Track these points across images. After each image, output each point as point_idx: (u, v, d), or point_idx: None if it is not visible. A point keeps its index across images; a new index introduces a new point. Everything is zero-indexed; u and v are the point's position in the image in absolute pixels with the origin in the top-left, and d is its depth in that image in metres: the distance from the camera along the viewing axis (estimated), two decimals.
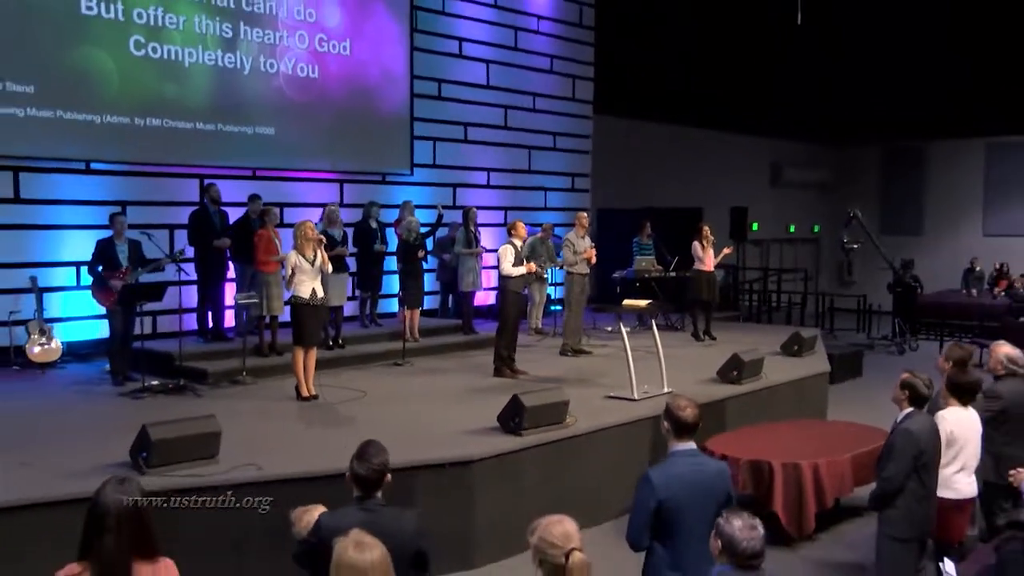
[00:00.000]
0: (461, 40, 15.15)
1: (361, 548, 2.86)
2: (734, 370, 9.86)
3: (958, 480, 5.76)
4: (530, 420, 7.35)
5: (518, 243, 10.18)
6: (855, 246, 18.22)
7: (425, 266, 12.64)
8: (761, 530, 3.31)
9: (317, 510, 3.89)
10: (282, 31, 12.52)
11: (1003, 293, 18.40)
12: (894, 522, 5.37)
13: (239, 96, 12.08)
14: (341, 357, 10.69)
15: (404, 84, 14.15)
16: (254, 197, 10.86)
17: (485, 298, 14.09)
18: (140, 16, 11.18)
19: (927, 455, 5.31)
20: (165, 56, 11.41)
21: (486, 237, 14.95)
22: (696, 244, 13.19)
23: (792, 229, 23.72)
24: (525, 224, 13.99)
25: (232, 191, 11.35)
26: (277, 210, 11.36)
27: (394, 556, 3.66)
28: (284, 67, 12.56)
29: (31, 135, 10.39)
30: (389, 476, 3.91)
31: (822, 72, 20.28)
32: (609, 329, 13.54)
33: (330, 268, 8.85)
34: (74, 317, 10.69)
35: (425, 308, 14.25)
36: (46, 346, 10.12)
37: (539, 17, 16.51)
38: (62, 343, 10.30)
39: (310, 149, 12.87)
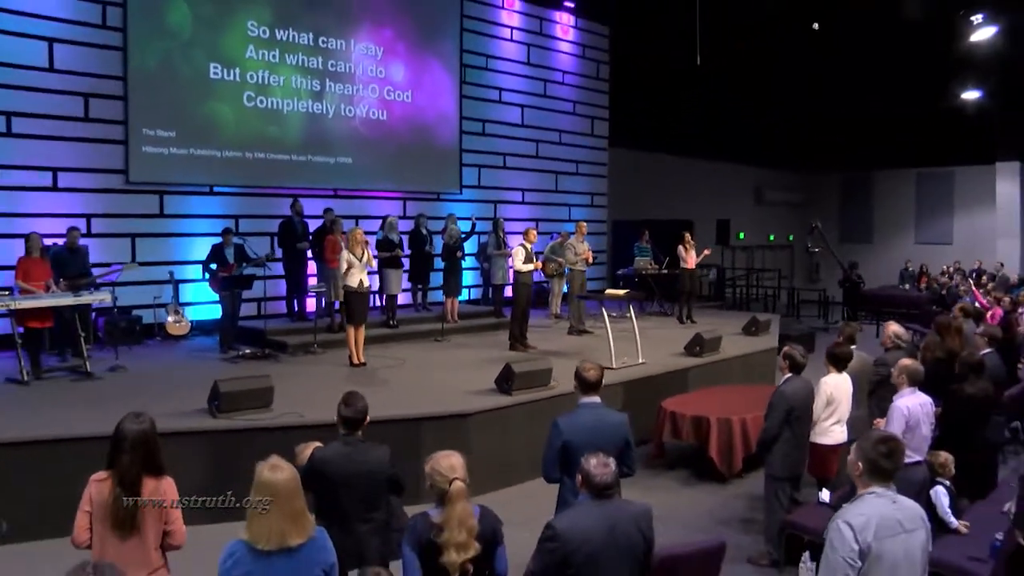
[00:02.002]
0: (501, 89, 15.17)
1: (274, 469, 2.85)
2: (697, 346, 9.77)
3: (834, 430, 5.72)
4: (519, 383, 7.38)
5: (529, 246, 10.16)
6: (816, 250, 17.86)
7: (464, 264, 12.68)
8: (613, 467, 3.21)
9: (314, 446, 3.96)
10: (358, 85, 12.72)
11: (924, 288, 17.98)
12: (772, 464, 5.33)
13: (324, 134, 12.29)
14: (394, 334, 10.75)
15: (455, 123, 14.23)
16: (327, 210, 11.02)
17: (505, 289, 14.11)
18: (251, 77, 11.49)
19: (799, 410, 5.26)
20: (269, 106, 11.70)
21: (518, 242, 14.96)
22: (680, 247, 13.06)
23: (772, 238, 23.29)
24: (554, 232, 14.20)
25: (318, 207, 11.51)
26: (351, 221, 11.60)
27: (372, 478, 3.79)
28: (359, 112, 12.76)
29: (172, 168, 10.77)
30: (368, 418, 3.95)
31: (795, 116, 19.94)
32: (614, 314, 13.42)
33: (375, 264, 8.94)
34: (201, 302, 10.97)
35: (473, 297, 14.45)
36: (179, 323, 10.43)
37: (564, 72, 16.43)
38: (191, 321, 10.57)
39: (379, 174, 13.02)
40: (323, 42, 12.24)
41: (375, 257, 10.59)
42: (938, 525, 5.08)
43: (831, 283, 19.70)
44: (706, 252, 13.64)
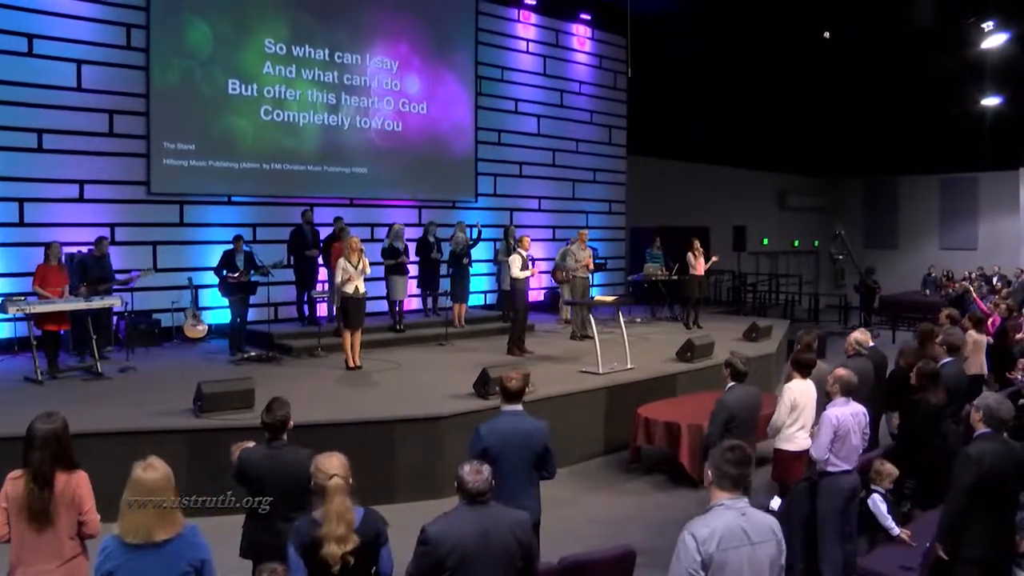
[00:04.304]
0: (517, 100, 15.19)
1: (146, 469, 2.96)
2: (688, 352, 9.67)
3: (797, 436, 5.59)
4: (495, 388, 7.37)
5: (524, 253, 10.13)
6: (840, 257, 17.48)
7: (473, 270, 12.71)
8: (486, 473, 3.23)
9: (244, 445, 4.10)
10: (373, 97, 12.88)
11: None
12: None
13: (340, 146, 12.47)
14: (400, 338, 10.86)
15: (470, 134, 14.29)
16: (337, 219, 11.22)
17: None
18: (268, 92, 11.75)
19: (738, 419, 5.20)
20: (286, 119, 11.94)
21: (535, 249, 14.98)
22: (689, 254, 12.95)
23: (796, 244, 22.84)
24: (569, 240, 14.16)
25: (333, 215, 11.60)
26: (367, 229, 11.86)
27: (294, 480, 3.84)
28: (375, 124, 12.91)
29: (192, 179, 11.06)
30: (291, 423, 4.07)
31: (817, 123, 19.55)
32: (624, 320, 13.43)
33: (369, 271, 8.95)
34: (219, 306, 11.06)
35: (489, 302, 14.48)
36: (196, 327, 10.71)
37: (581, 82, 16.39)
38: (209, 325, 10.84)
39: (395, 183, 13.12)
40: (338, 57, 12.46)
41: (378, 264, 10.80)
42: (882, 533, 4.98)
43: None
44: (714, 259, 13.49)
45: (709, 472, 2.83)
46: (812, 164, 21.90)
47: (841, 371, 4.92)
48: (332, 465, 3.18)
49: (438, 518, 3.23)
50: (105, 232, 10.36)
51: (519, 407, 4.40)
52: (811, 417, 5.62)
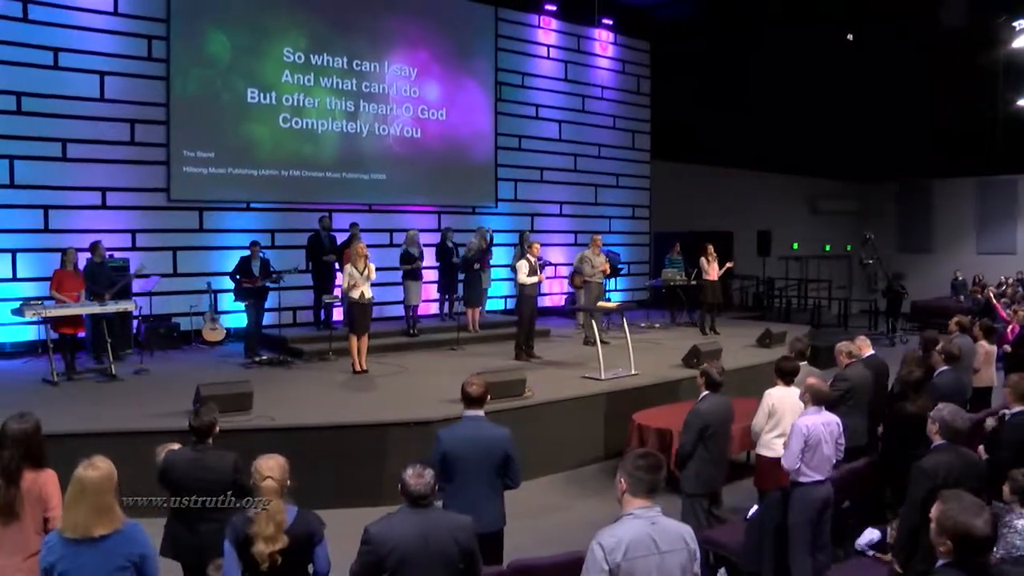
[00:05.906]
0: (537, 106, 15.24)
1: (88, 467, 3.09)
2: (694, 358, 9.61)
3: (776, 442, 5.59)
4: (492, 393, 7.41)
5: (532, 259, 10.18)
6: (870, 262, 17.15)
7: (493, 275, 12.81)
8: (427, 477, 3.29)
9: (169, 447, 4.24)
10: (392, 104, 13.08)
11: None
12: (687, 480, 5.28)
13: (358, 152, 12.69)
14: (412, 343, 11.03)
15: (490, 140, 14.39)
16: (352, 224, 11.42)
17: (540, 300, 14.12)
18: (287, 100, 12.03)
19: (712, 428, 5.21)
20: (304, 127, 12.21)
21: (556, 253, 15.11)
22: (702, 259, 12.87)
23: (828, 248, 22.43)
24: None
25: (351, 221, 11.81)
26: (385, 234, 12.36)
27: (216, 483, 4.04)
28: (393, 130, 13.11)
29: (211, 186, 11.38)
30: (217, 428, 4.23)
31: (848, 126, 19.21)
32: (642, 324, 13.49)
33: (374, 276, 9.07)
34: (238, 310, 11.34)
35: (508, 308, 14.53)
36: (215, 330, 11.07)
37: (603, 87, 16.37)
38: (227, 328, 11.18)
39: (414, 189, 13.29)
40: (357, 65, 12.69)
41: (396, 269, 10.97)
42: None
43: None
44: (729, 265, 13.39)
45: (621, 481, 2.87)
46: (844, 168, 21.53)
47: (812, 380, 4.90)
48: (268, 467, 3.32)
49: (382, 519, 3.32)
50: (126, 238, 10.77)
51: (480, 412, 4.47)
52: (791, 424, 5.59)
